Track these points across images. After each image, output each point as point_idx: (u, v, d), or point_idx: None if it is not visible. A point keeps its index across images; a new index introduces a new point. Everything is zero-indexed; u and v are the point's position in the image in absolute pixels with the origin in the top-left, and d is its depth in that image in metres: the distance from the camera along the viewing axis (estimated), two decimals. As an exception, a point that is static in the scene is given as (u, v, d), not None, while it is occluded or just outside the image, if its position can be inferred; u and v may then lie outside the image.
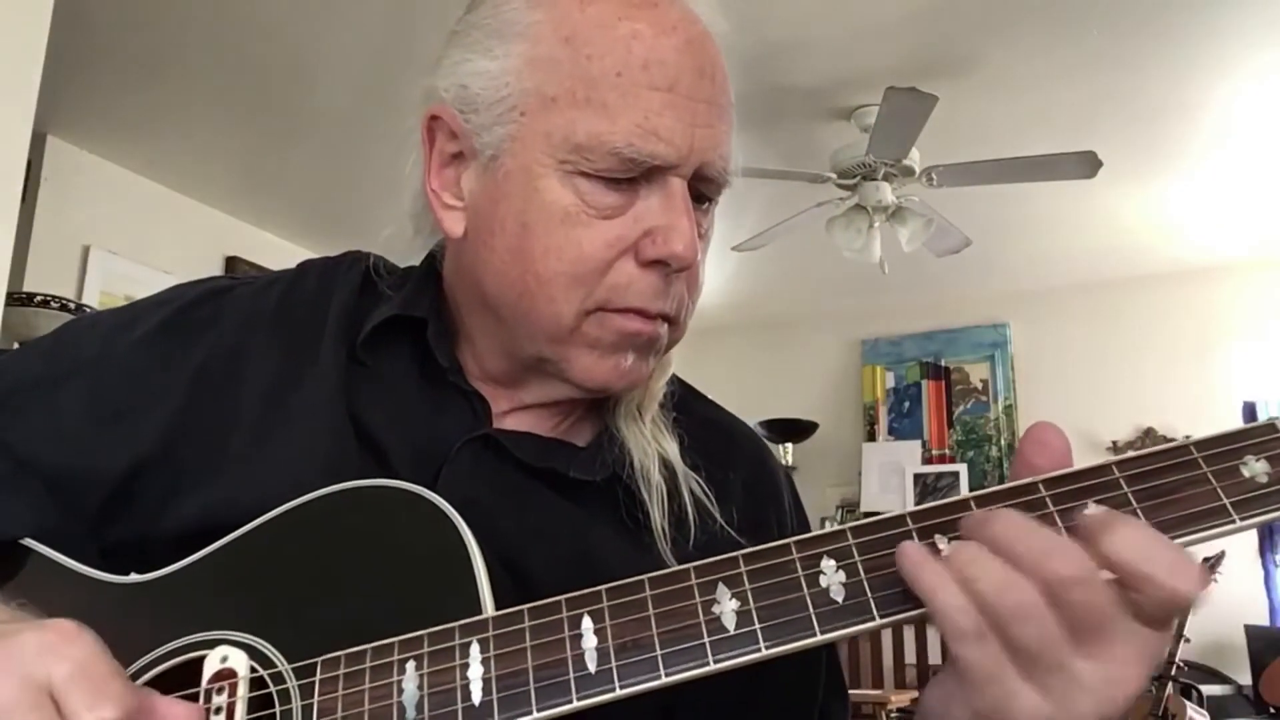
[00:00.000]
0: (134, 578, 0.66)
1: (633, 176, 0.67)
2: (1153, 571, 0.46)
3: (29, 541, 0.69)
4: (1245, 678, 4.34)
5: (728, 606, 0.53)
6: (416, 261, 0.82)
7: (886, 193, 3.56)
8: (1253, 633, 4.42)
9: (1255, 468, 0.51)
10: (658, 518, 0.72)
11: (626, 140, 0.65)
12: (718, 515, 0.74)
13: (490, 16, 0.71)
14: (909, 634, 4.36)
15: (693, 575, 0.54)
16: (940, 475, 5.27)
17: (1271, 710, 4.15)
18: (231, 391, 0.73)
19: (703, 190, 0.71)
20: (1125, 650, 0.48)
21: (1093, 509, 0.50)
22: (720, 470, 0.77)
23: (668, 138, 0.66)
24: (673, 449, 0.76)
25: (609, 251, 0.67)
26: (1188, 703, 3.89)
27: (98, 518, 0.70)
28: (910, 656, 4.46)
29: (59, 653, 0.48)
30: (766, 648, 0.51)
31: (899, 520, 0.53)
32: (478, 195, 0.71)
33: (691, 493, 0.74)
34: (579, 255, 0.67)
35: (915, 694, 4.19)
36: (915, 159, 3.47)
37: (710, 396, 0.88)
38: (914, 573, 0.50)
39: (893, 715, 3.95)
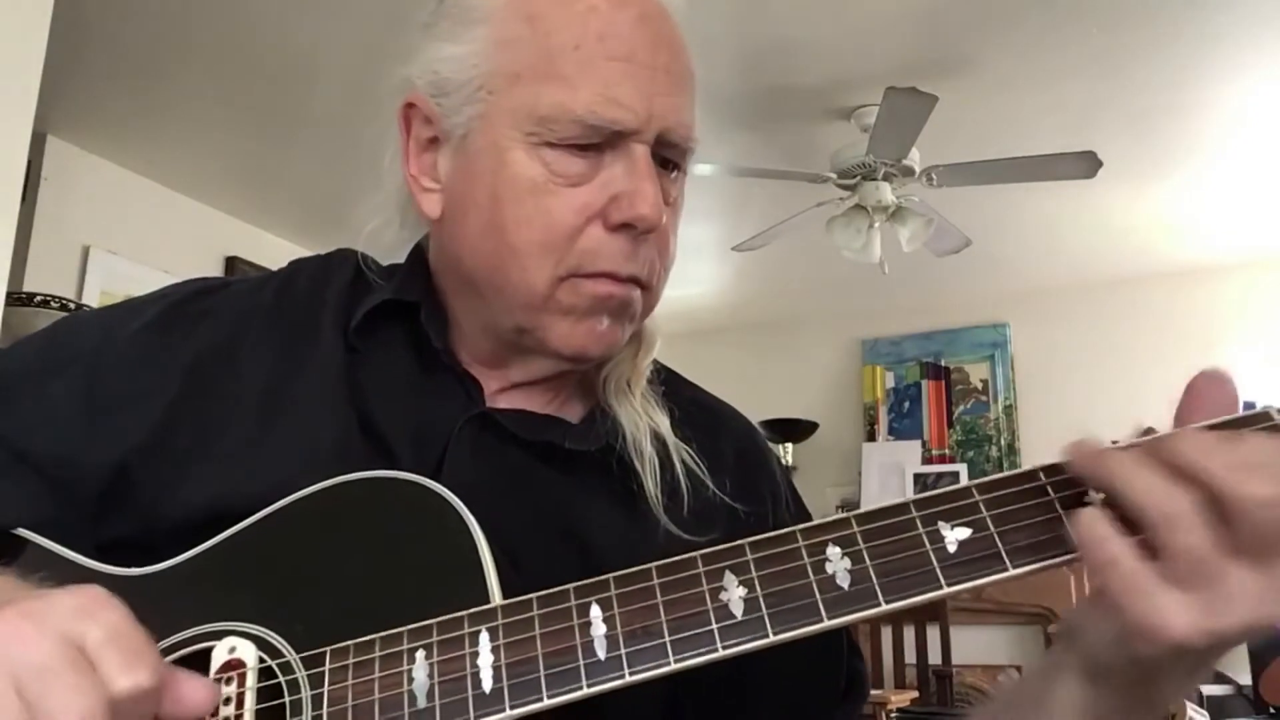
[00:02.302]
0: (135, 571, 0.66)
1: (597, 144, 0.69)
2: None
3: (24, 532, 0.69)
4: (1245, 677, 4.33)
5: (735, 594, 0.53)
6: (401, 259, 0.83)
7: (886, 193, 3.56)
8: (1252, 632, 4.41)
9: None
10: (651, 487, 0.73)
11: (588, 108, 0.68)
12: (710, 483, 0.76)
13: (455, 4, 0.75)
14: (909, 634, 4.35)
15: (700, 563, 0.55)
16: (940, 475, 5.27)
17: (1271, 710, 4.15)
18: (227, 383, 0.73)
19: (668, 156, 0.73)
20: None
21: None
22: (711, 441, 0.79)
23: (628, 104, 0.69)
24: (664, 422, 0.77)
25: (578, 218, 0.70)
26: (1188, 702, 3.89)
27: (96, 510, 0.70)
28: (910, 656, 4.44)
29: (94, 616, 0.48)
30: (774, 634, 0.52)
31: (903, 508, 0.55)
32: (452, 175, 0.74)
33: (684, 463, 0.76)
34: (549, 223, 0.70)
35: (915, 694, 4.18)
36: (915, 159, 3.47)
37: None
38: (1093, 463, 0.51)
39: (893, 715, 3.94)
